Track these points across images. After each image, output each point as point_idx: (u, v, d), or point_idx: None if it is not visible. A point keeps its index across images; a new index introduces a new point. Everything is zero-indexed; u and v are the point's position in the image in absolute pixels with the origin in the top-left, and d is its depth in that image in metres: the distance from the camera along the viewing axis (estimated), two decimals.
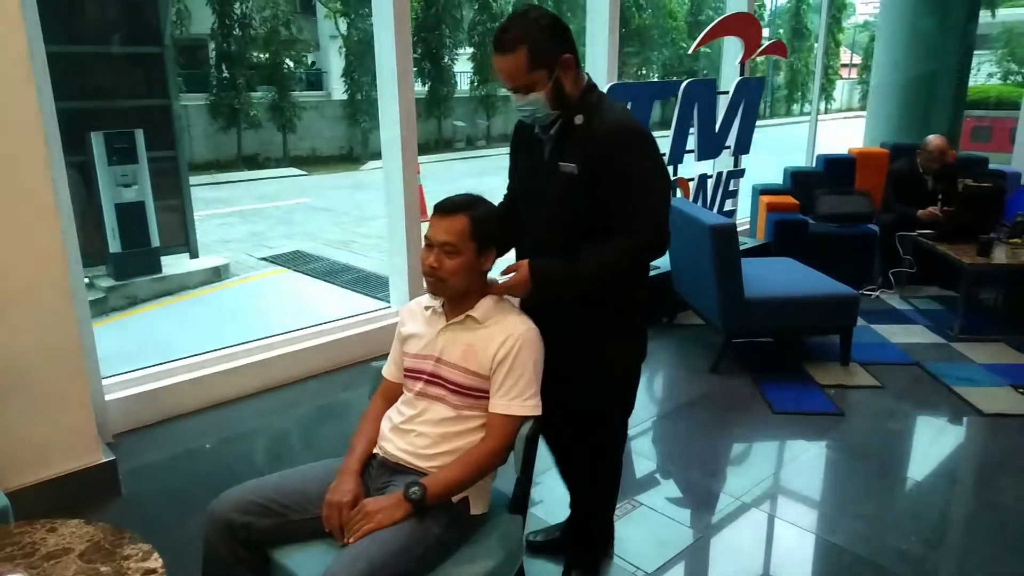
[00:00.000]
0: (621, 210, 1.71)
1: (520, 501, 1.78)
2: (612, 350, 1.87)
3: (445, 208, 1.70)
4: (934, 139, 4.95)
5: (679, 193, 4.65)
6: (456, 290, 1.70)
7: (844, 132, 13.43)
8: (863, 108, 27.31)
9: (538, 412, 1.70)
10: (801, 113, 28.12)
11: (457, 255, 1.66)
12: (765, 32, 5.12)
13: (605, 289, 1.80)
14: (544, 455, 1.77)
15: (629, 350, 1.91)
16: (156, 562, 1.45)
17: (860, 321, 3.82)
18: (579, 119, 1.74)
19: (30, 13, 2.42)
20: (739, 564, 2.37)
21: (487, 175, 14.26)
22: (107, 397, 2.98)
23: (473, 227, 1.67)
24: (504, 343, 1.68)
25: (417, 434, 1.71)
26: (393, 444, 1.73)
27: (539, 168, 1.84)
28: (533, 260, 1.77)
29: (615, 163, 1.69)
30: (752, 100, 4.93)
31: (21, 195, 2.29)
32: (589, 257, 1.74)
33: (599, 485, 2.10)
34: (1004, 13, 18.88)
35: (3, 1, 2.18)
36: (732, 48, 5.17)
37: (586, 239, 1.75)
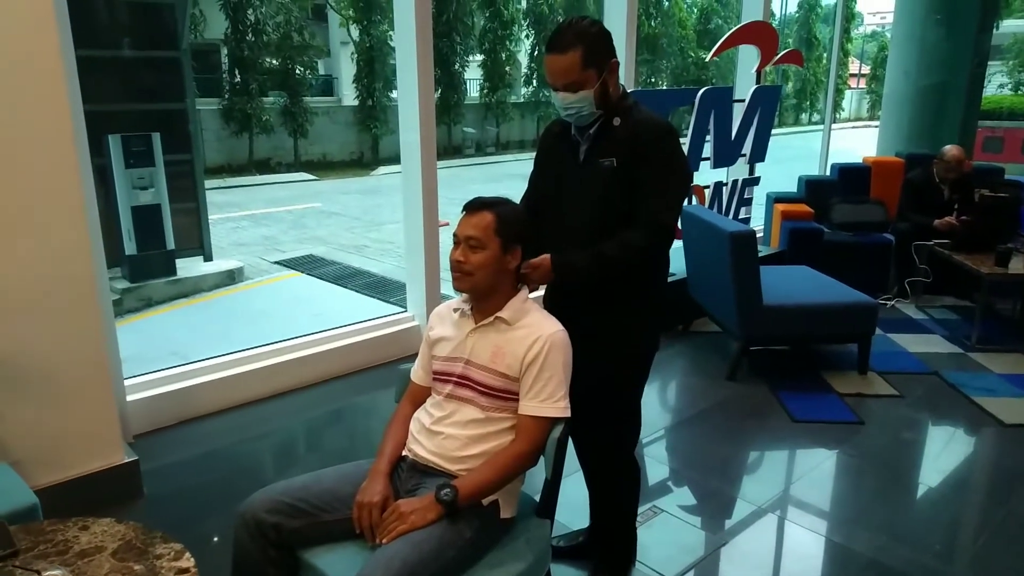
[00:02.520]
0: (646, 192, 1.84)
1: (548, 505, 1.79)
2: (625, 331, 1.95)
3: (472, 206, 1.74)
4: (951, 149, 4.95)
5: (695, 200, 4.66)
6: (480, 285, 1.71)
7: (853, 142, 13.41)
8: (871, 118, 27.30)
9: (568, 414, 1.71)
10: (810, 122, 28.12)
11: (482, 249, 1.68)
12: None
13: (622, 280, 1.90)
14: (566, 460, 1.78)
15: (641, 333, 2.00)
16: (188, 561, 1.46)
17: (876, 330, 3.81)
18: (616, 121, 1.89)
19: (61, 18, 2.45)
20: (760, 570, 2.37)
21: (496, 182, 14.30)
22: (128, 398, 3.00)
23: (498, 223, 1.69)
24: (533, 345, 1.68)
25: (446, 436, 1.72)
26: (423, 446, 1.74)
27: (574, 169, 1.93)
28: (560, 257, 1.84)
29: (649, 152, 1.84)
30: (768, 108, 4.93)
31: (51, 197, 2.32)
32: (609, 241, 1.84)
33: (616, 485, 2.13)
34: (1009, 24, 18.83)
35: (38, 7, 2.21)
36: (748, 56, 5.18)
37: (618, 232, 1.85)
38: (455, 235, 1.73)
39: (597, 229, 1.87)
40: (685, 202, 4.55)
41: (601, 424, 2.03)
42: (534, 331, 1.70)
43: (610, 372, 1.98)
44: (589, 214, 1.89)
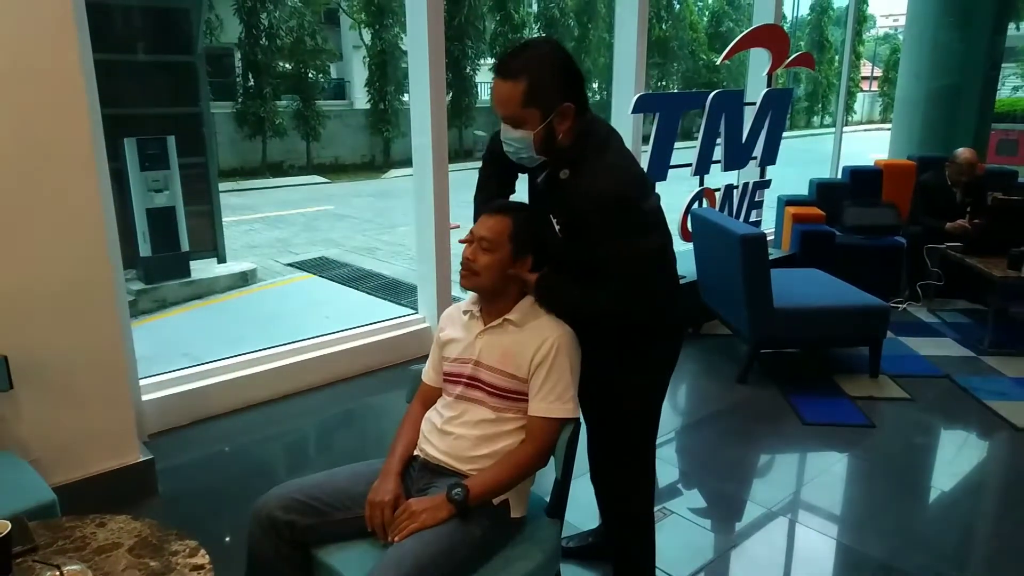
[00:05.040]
0: (602, 269, 1.68)
1: (558, 505, 1.80)
2: (619, 384, 1.87)
3: (493, 207, 1.76)
4: (963, 152, 4.93)
5: (706, 203, 4.66)
6: (485, 286, 1.73)
7: (865, 145, 13.34)
8: (884, 121, 27.10)
9: (577, 415, 1.72)
10: (821, 125, 27.99)
11: (492, 252, 1.69)
12: None
13: (617, 324, 1.79)
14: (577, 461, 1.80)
15: (637, 385, 1.88)
16: (203, 558, 1.48)
17: (888, 333, 3.80)
18: (564, 174, 1.69)
19: (80, 23, 2.48)
20: (770, 573, 2.37)
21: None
22: (143, 398, 3.04)
23: (514, 229, 1.70)
24: (541, 346, 1.69)
25: (457, 436, 1.73)
26: (434, 446, 1.76)
27: (542, 202, 1.81)
28: (548, 271, 1.76)
29: (592, 229, 1.65)
30: (779, 112, 4.93)
31: (70, 201, 2.35)
32: (586, 292, 1.71)
33: (627, 540, 2.06)
34: None
35: (58, 13, 2.25)
36: (759, 59, 5.18)
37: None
38: (471, 231, 1.75)
39: (576, 264, 1.73)
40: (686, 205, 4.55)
41: (611, 468, 2.00)
42: (542, 333, 1.71)
43: (613, 422, 1.93)
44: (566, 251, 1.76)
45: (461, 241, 1.76)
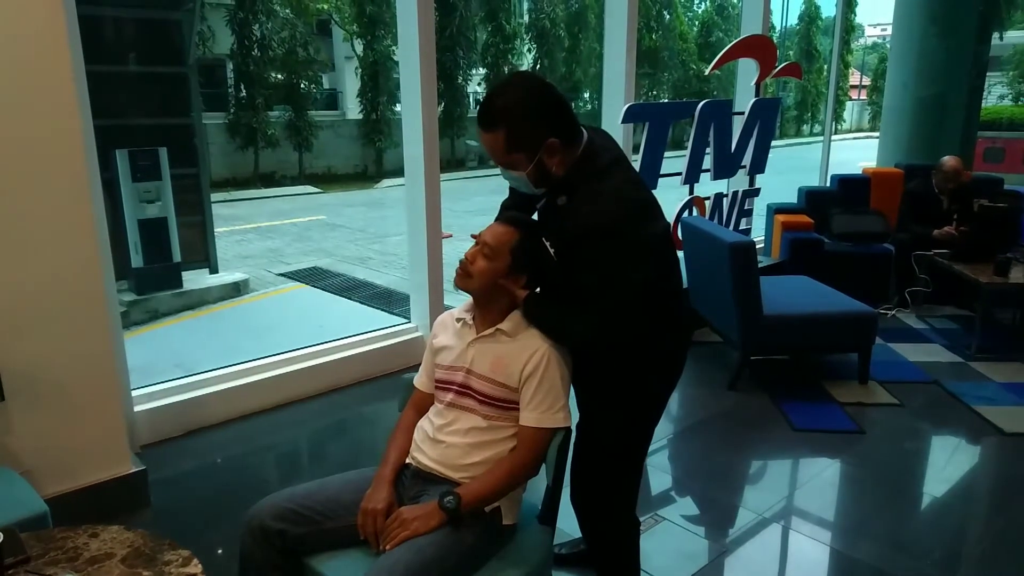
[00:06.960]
0: (583, 296, 1.68)
1: (550, 512, 1.82)
2: (601, 414, 1.88)
3: (506, 217, 1.79)
4: (949, 159, 4.98)
5: (695, 212, 4.70)
6: (475, 290, 1.75)
7: (854, 154, 13.46)
8: (873, 129, 27.35)
9: (567, 424, 1.74)
10: (811, 134, 28.21)
11: (490, 260, 1.71)
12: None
13: (597, 353, 1.79)
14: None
15: (616, 416, 1.86)
16: (196, 567, 1.48)
17: (877, 340, 3.83)
18: (562, 200, 1.70)
19: (72, 35, 2.50)
20: None
21: (498, 194, 14.27)
22: (136, 409, 3.04)
23: (517, 244, 1.72)
24: (532, 357, 1.71)
25: (448, 444, 1.74)
26: (426, 454, 1.77)
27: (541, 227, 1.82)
28: (537, 292, 1.77)
29: (581, 256, 1.65)
30: (767, 121, 4.98)
31: (62, 211, 2.36)
32: (567, 318, 1.72)
33: (607, 554, 2.05)
34: (1010, 35, 18.96)
35: (50, 25, 2.26)
36: (747, 69, 5.23)
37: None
38: (480, 233, 1.76)
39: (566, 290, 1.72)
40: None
41: (590, 495, 1.97)
42: (533, 344, 1.73)
43: (593, 453, 1.92)
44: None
45: (472, 236, 1.79)
